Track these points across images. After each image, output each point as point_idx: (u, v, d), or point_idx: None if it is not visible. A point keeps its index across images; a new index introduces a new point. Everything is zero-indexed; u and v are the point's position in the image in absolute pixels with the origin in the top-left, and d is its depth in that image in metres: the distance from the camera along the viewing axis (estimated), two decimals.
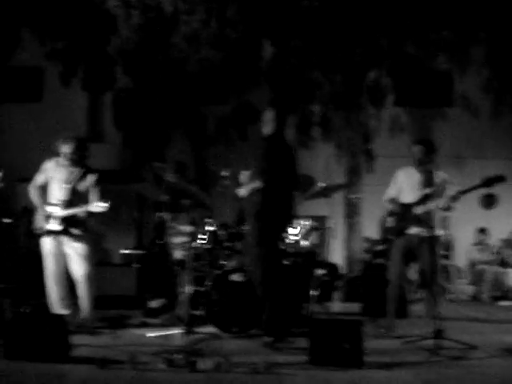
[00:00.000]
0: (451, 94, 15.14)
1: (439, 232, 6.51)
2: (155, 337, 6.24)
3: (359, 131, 13.44)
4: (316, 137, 14.13)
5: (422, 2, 12.27)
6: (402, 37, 12.87)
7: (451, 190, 6.29)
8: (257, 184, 5.89)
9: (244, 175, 6.10)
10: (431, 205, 6.31)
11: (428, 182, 6.47)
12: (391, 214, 6.79)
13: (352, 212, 13.40)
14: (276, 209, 5.93)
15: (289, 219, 6.32)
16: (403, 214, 6.61)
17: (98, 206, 6.19)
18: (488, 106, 14.32)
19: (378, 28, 12.54)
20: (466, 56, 13.22)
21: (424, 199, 6.44)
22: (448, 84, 14.99)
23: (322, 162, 13.86)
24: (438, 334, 5.63)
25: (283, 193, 6.00)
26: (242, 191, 5.98)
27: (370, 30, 12.54)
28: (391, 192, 6.87)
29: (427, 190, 6.45)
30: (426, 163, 6.55)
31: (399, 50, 13.08)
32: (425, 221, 6.37)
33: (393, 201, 6.82)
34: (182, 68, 12.64)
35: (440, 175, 6.56)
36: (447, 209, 6.29)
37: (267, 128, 6.09)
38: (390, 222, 6.75)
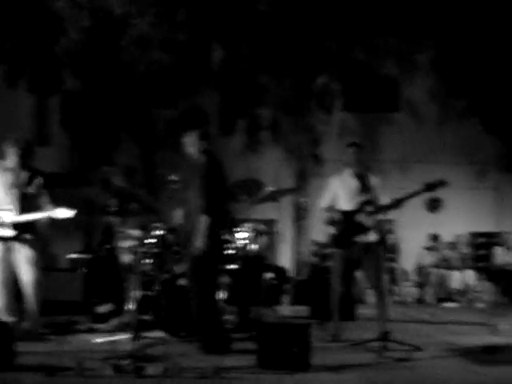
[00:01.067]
0: (397, 99, 15.39)
1: (383, 237, 6.54)
2: (103, 342, 6.19)
3: (308, 136, 13.57)
4: (265, 141, 14.19)
5: (370, 9, 12.47)
6: (350, 42, 13.05)
7: (381, 195, 6.35)
8: (188, 226, 5.78)
9: (177, 214, 6.07)
10: (372, 211, 6.31)
11: (365, 187, 6.42)
12: (331, 222, 6.61)
13: (300, 216, 13.48)
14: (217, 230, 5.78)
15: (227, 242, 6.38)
16: (345, 222, 6.47)
17: (63, 212, 6.08)
18: (433, 112, 14.62)
19: (327, 33, 12.69)
20: (413, 62, 13.46)
21: (363, 205, 6.39)
22: (394, 89, 15.22)
23: (270, 166, 13.92)
24: (384, 336, 5.72)
25: (221, 211, 5.86)
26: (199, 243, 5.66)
27: (319, 36, 12.67)
28: (326, 200, 6.73)
29: (365, 197, 6.40)
30: (360, 164, 6.52)
31: (348, 55, 13.24)
32: (369, 227, 6.40)
33: (330, 209, 6.67)
34: (131, 71, 12.55)
35: (373, 179, 6.48)
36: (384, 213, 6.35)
37: (193, 150, 5.90)
38: (333, 230, 6.58)
